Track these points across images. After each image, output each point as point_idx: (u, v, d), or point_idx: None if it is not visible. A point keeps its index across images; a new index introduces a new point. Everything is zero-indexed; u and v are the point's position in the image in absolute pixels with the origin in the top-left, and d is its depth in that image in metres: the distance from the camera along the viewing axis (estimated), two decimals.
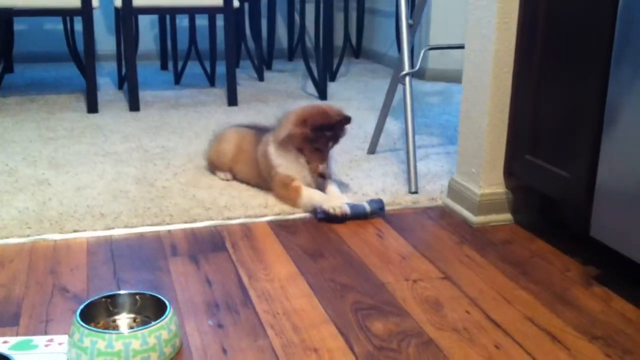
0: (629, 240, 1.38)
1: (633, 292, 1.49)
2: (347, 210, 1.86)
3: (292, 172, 1.97)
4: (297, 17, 4.56)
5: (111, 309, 1.31)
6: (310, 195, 1.92)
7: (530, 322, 1.37)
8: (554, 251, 1.70)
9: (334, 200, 1.89)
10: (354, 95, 3.57)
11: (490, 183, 1.86)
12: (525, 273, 1.58)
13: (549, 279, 1.55)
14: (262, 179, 2.07)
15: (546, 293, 1.49)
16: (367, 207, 1.88)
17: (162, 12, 3.72)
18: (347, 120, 1.96)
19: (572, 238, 1.76)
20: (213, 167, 2.22)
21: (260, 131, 2.18)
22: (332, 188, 1.98)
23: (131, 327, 1.29)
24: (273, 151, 1.99)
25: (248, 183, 2.14)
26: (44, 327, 1.32)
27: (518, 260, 1.65)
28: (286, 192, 1.97)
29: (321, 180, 1.97)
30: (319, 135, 1.91)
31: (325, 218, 1.86)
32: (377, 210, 1.89)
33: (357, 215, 1.88)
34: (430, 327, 1.34)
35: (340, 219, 1.86)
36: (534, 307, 1.43)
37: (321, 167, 1.94)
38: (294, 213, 1.92)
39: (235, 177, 2.18)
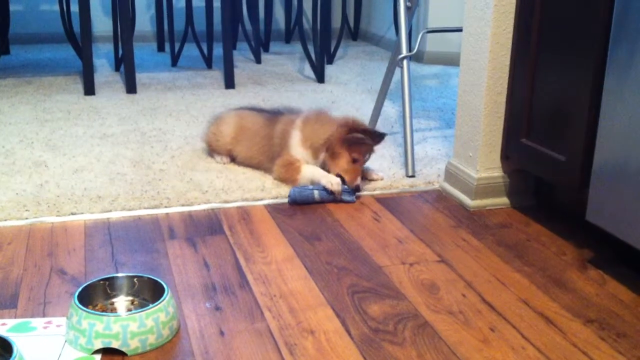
0: (624, 223, 1.38)
1: (628, 276, 1.50)
2: (341, 189, 1.88)
3: (302, 159, 2.00)
4: None
5: (109, 291, 1.31)
6: (311, 172, 1.94)
7: (526, 305, 1.38)
8: (549, 235, 1.71)
9: (332, 177, 1.90)
10: (352, 78, 3.56)
11: (487, 167, 1.86)
12: (520, 256, 1.59)
13: (545, 262, 1.56)
14: (265, 158, 2.07)
15: (541, 276, 1.50)
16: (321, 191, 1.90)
17: None
18: (382, 136, 1.98)
19: (568, 222, 1.77)
20: (211, 150, 2.22)
21: (264, 112, 2.19)
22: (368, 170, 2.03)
23: (129, 310, 1.30)
24: (296, 139, 1.99)
25: (248, 164, 2.13)
26: (42, 309, 1.33)
27: (514, 244, 1.66)
28: (286, 170, 1.98)
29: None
30: (358, 140, 1.90)
31: (293, 201, 1.86)
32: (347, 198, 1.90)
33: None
34: (427, 310, 1.35)
35: (310, 201, 1.86)
36: (529, 290, 1.44)
37: (358, 180, 1.93)
38: None
39: (233, 160, 2.18)
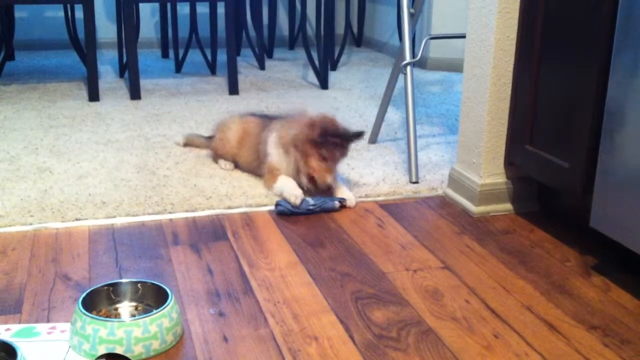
0: (629, 230, 1.38)
1: (632, 282, 1.50)
2: (304, 202, 1.85)
3: (281, 165, 1.98)
4: (298, 5, 4.55)
5: (113, 297, 1.32)
6: (284, 185, 1.92)
7: (529, 311, 1.38)
8: (553, 241, 1.71)
9: (295, 190, 1.88)
10: (355, 84, 3.57)
11: (490, 173, 1.86)
12: (524, 263, 1.59)
13: (548, 269, 1.56)
14: (259, 163, 2.08)
15: (545, 283, 1.50)
16: (337, 203, 1.88)
17: (163, 0, 3.71)
18: (356, 135, 1.93)
19: (571, 228, 1.77)
20: (217, 155, 2.22)
21: (266, 118, 2.20)
22: (342, 187, 1.97)
23: (133, 315, 1.30)
24: (272, 141, 2.00)
25: (250, 170, 2.14)
26: (46, 314, 1.33)
27: (517, 250, 1.66)
28: (267, 176, 2.00)
29: (312, 186, 1.93)
30: (326, 141, 1.87)
31: (281, 211, 1.84)
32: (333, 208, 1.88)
33: (324, 209, 1.87)
34: (430, 316, 1.35)
35: (296, 212, 1.84)
36: (532, 296, 1.44)
37: (328, 178, 1.89)
38: None
39: (237, 166, 2.19)
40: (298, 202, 1.84)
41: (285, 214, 1.84)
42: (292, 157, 1.95)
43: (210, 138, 2.34)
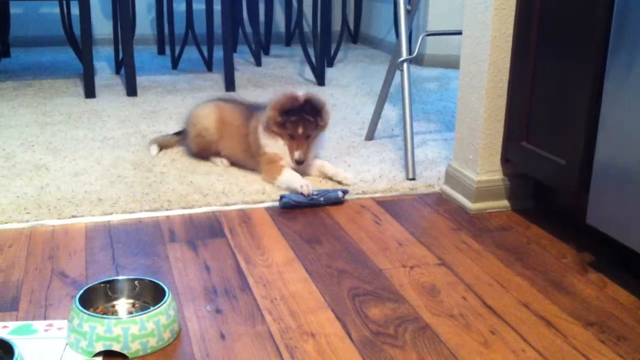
0: (625, 227, 1.38)
1: (628, 279, 1.50)
2: (314, 192, 1.88)
3: (279, 152, 2.02)
4: (294, 2, 4.54)
5: (110, 294, 1.32)
6: (291, 177, 1.95)
7: (526, 308, 1.38)
8: (550, 238, 1.71)
9: (304, 180, 1.91)
10: (352, 81, 3.56)
11: (487, 170, 1.87)
12: (521, 259, 1.60)
13: (545, 266, 1.56)
14: (249, 155, 2.09)
15: (542, 279, 1.50)
16: (340, 193, 1.90)
17: None
18: (309, 102, 1.97)
19: (568, 225, 1.77)
20: (201, 150, 2.21)
21: (242, 105, 2.21)
22: (327, 166, 2.06)
23: (130, 313, 1.30)
24: (261, 131, 2.03)
25: (235, 160, 2.15)
26: (43, 312, 1.33)
27: (514, 247, 1.66)
28: (270, 168, 2.01)
29: (300, 165, 2.01)
30: (286, 119, 1.96)
31: (286, 203, 1.85)
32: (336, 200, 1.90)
33: (328, 199, 1.89)
34: (427, 313, 1.35)
35: (302, 203, 1.86)
36: (529, 293, 1.44)
37: (296, 154, 1.99)
38: None
39: (219, 154, 2.19)
40: (309, 190, 1.87)
41: (291, 206, 1.85)
42: (277, 136, 2.02)
43: (179, 134, 2.33)
